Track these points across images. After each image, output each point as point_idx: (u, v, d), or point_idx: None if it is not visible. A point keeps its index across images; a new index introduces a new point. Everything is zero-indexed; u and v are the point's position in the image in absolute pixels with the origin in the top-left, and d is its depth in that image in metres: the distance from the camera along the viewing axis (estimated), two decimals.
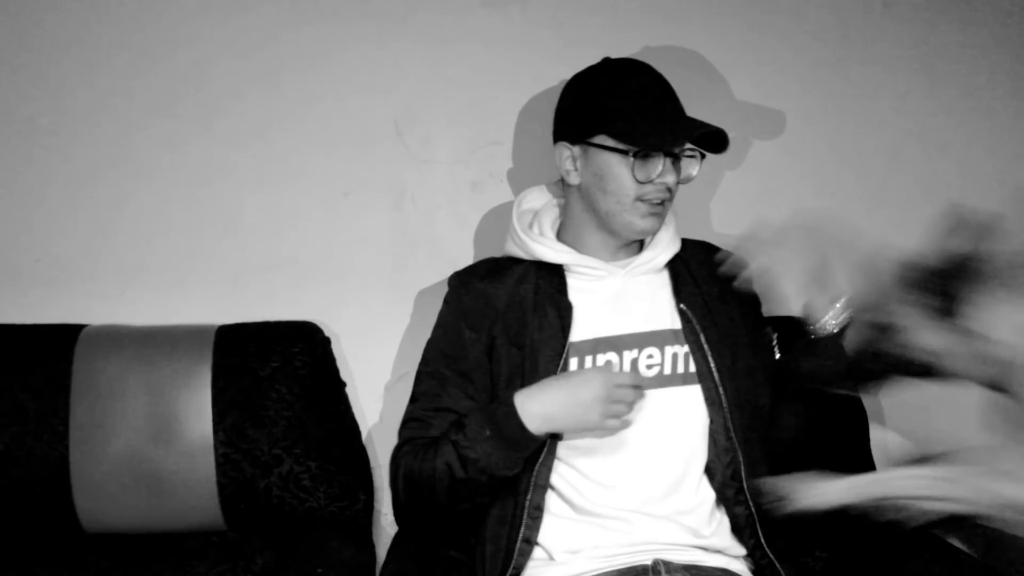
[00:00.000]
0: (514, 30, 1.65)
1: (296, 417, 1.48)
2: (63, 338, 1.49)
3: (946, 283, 1.10)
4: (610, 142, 1.27)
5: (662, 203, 1.30)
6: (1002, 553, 1.49)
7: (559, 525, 1.27)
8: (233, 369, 1.48)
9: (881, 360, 1.16)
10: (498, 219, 1.64)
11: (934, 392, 1.15)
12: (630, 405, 1.19)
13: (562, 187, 1.39)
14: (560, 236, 1.39)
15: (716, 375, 1.28)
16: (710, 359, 1.29)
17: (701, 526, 1.26)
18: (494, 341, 1.32)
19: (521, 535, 1.25)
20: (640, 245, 1.39)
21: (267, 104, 1.63)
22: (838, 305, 1.19)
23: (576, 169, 1.32)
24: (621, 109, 1.27)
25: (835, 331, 1.20)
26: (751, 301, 1.42)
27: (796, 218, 1.23)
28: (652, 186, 1.27)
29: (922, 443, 1.67)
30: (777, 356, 1.36)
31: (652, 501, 1.26)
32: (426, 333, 1.49)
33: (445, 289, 1.42)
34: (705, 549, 1.25)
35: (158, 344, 1.49)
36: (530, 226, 1.40)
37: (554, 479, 1.28)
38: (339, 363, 1.60)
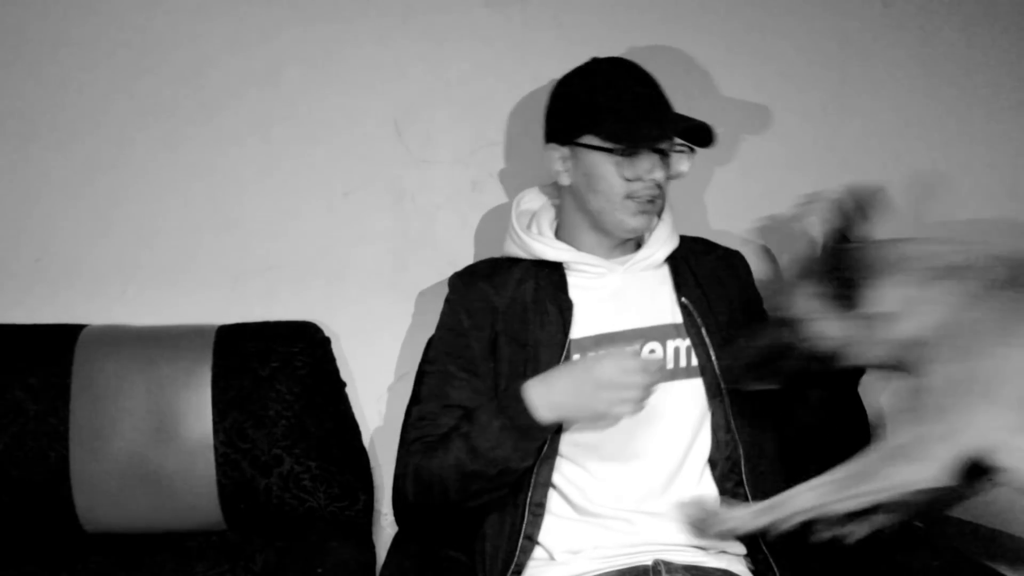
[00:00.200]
0: (514, 30, 1.65)
1: (296, 417, 1.48)
2: (63, 338, 1.49)
3: (839, 269, 1.12)
4: (597, 142, 1.28)
5: (652, 200, 1.30)
6: (998, 550, 1.49)
7: (560, 525, 1.27)
8: (233, 369, 1.48)
9: (787, 355, 1.17)
10: (498, 219, 1.64)
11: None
12: (640, 391, 1.16)
13: (557, 188, 1.39)
14: (558, 236, 1.39)
15: (717, 368, 1.29)
16: (711, 352, 1.29)
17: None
18: (496, 339, 1.33)
19: (523, 532, 1.25)
20: (638, 242, 1.39)
21: (267, 104, 1.63)
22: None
23: (567, 170, 1.32)
24: (606, 108, 1.28)
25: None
26: (752, 296, 1.42)
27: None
28: (641, 183, 1.28)
29: None
30: None
31: (653, 495, 1.26)
32: (426, 333, 1.49)
33: (445, 289, 1.42)
34: (706, 550, 1.25)
35: (158, 344, 1.49)
36: (528, 226, 1.40)
37: (555, 477, 1.28)
38: (339, 363, 1.60)
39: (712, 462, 1.28)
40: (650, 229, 1.38)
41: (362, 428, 1.61)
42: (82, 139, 1.62)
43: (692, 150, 1.32)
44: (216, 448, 1.45)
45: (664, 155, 1.29)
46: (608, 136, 1.27)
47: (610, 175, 1.28)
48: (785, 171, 1.70)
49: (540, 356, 1.29)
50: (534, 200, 1.45)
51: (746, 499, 1.26)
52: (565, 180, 1.33)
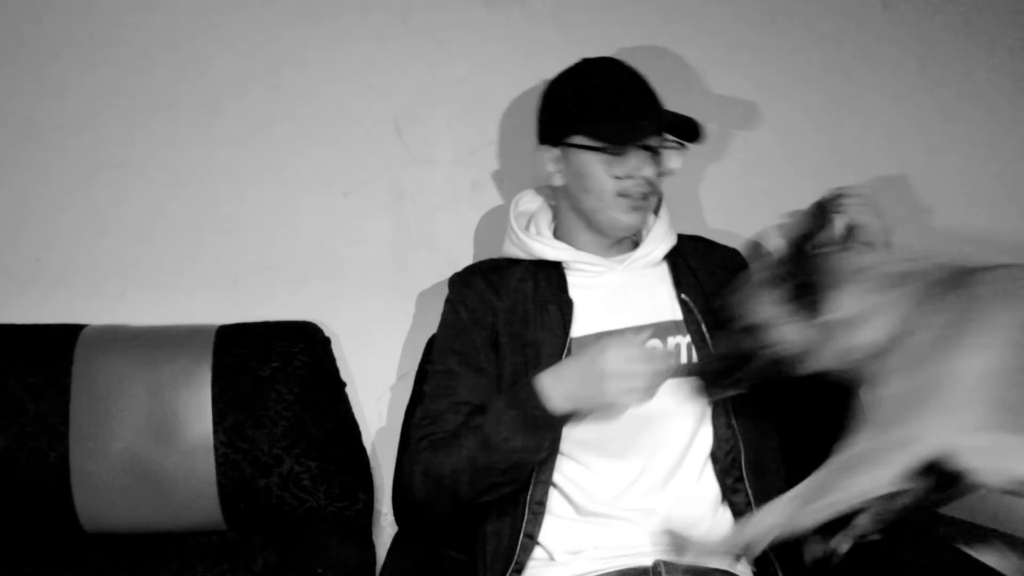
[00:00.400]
0: (514, 30, 1.65)
1: (296, 417, 1.48)
2: (63, 338, 1.49)
3: (800, 276, 1.13)
4: (585, 141, 1.28)
5: (645, 197, 1.31)
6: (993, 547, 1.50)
7: (560, 525, 1.27)
8: (233, 369, 1.48)
9: (748, 362, 1.19)
10: (498, 219, 1.64)
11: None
12: (646, 380, 1.15)
13: (553, 189, 1.40)
14: (556, 237, 1.40)
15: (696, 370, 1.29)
16: (712, 348, 1.29)
17: (703, 518, 1.26)
18: (497, 337, 1.33)
19: (523, 531, 1.25)
20: (636, 241, 1.40)
21: (267, 103, 1.63)
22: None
23: (559, 171, 1.33)
24: (593, 107, 1.29)
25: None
26: None
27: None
28: (632, 181, 1.28)
29: None
30: None
31: (654, 491, 1.26)
32: (426, 333, 1.49)
33: (445, 289, 1.42)
34: None
35: (158, 344, 1.49)
36: (527, 227, 1.41)
37: (556, 476, 1.28)
38: (339, 363, 1.60)
39: (714, 457, 1.29)
40: (648, 227, 1.39)
41: (362, 428, 1.60)
42: (82, 139, 1.62)
43: (683, 146, 1.32)
44: (216, 448, 1.45)
45: (655, 152, 1.30)
46: (595, 135, 1.28)
47: (600, 174, 1.28)
48: (785, 171, 1.70)
49: (541, 355, 1.29)
50: (531, 201, 1.46)
51: (746, 495, 1.27)
52: (558, 181, 1.34)
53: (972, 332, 1.05)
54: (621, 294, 1.34)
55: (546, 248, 1.36)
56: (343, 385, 1.59)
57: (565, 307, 1.32)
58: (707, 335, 1.31)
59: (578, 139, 1.29)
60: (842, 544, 1.23)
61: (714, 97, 1.67)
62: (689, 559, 1.20)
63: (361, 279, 1.66)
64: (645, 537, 1.24)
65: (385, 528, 1.64)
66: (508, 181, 1.66)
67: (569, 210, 1.36)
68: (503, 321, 1.33)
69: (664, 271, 1.38)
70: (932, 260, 1.15)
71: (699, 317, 1.32)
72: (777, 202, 1.67)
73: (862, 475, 1.07)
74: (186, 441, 1.44)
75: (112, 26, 1.61)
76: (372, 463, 1.59)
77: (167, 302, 1.62)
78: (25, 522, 1.46)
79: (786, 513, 1.10)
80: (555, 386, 1.19)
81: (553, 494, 1.28)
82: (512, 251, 1.40)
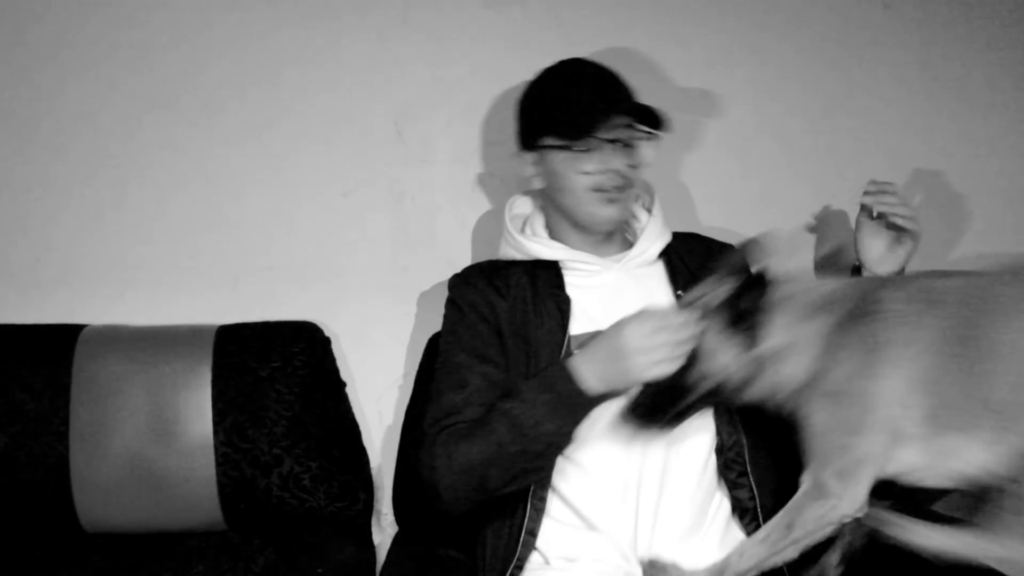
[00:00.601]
0: (514, 30, 1.66)
1: (296, 417, 1.48)
2: (63, 338, 1.50)
3: (739, 306, 1.15)
4: (553, 141, 1.30)
5: (621, 188, 1.31)
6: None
7: (558, 530, 1.27)
8: (233, 369, 1.48)
9: (682, 395, 1.19)
10: (498, 219, 1.64)
11: None
12: (669, 349, 1.15)
13: (538, 193, 1.41)
14: (551, 238, 1.40)
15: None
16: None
17: (701, 512, 1.26)
18: (500, 335, 1.33)
19: (524, 528, 1.25)
20: (630, 241, 1.40)
21: (267, 103, 1.63)
22: None
23: (538, 174, 1.35)
24: (559, 108, 1.31)
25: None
26: None
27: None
28: (603, 176, 1.29)
29: None
30: None
31: (653, 486, 1.26)
32: (426, 333, 1.49)
33: (445, 290, 1.42)
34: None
35: (158, 344, 1.49)
36: (522, 229, 1.41)
37: (555, 476, 1.28)
38: (339, 363, 1.60)
39: (717, 451, 1.29)
40: (642, 226, 1.39)
41: (362, 428, 1.61)
42: (82, 139, 1.62)
43: (654, 136, 1.33)
44: (216, 448, 1.45)
45: (625, 144, 1.30)
46: (560, 133, 1.29)
47: (570, 171, 1.30)
48: (786, 171, 1.70)
49: (540, 353, 1.29)
50: (524, 205, 1.47)
51: (751, 490, 1.27)
52: (539, 184, 1.37)
53: (883, 356, 1.08)
54: (618, 292, 1.34)
55: (542, 248, 1.37)
56: (343, 385, 1.59)
57: (563, 305, 1.32)
58: None
59: (548, 140, 1.31)
60: (831, 564, 1.23)
61: (714, 96, 1.67)
62: None
63: (361, 279, 1.67)
64: (642, 549, 1.23)
65: (385, 528, 1.65)
66: (508, 181, 1.66)
67: (554, 211, 1.38)
68: (506, 320, 1.33)
69: (660, 269, 1.39)
70: (846, 286, 1.18)
71: None
72: (777, 201, 1.69)
73: (818, 508, 1.09)
74: (186, 441, 1.45)
75: (112, 26, 1.61)
76: (372, 463, 1.59)
77: (167, 302, 1.62)
78: (25, 522, 1.46)
79: (762, 550, 1.12)
80: (586, 367, 1.19)
81: (553, 496, 1.28)
82: (509, 253, 1.41)
